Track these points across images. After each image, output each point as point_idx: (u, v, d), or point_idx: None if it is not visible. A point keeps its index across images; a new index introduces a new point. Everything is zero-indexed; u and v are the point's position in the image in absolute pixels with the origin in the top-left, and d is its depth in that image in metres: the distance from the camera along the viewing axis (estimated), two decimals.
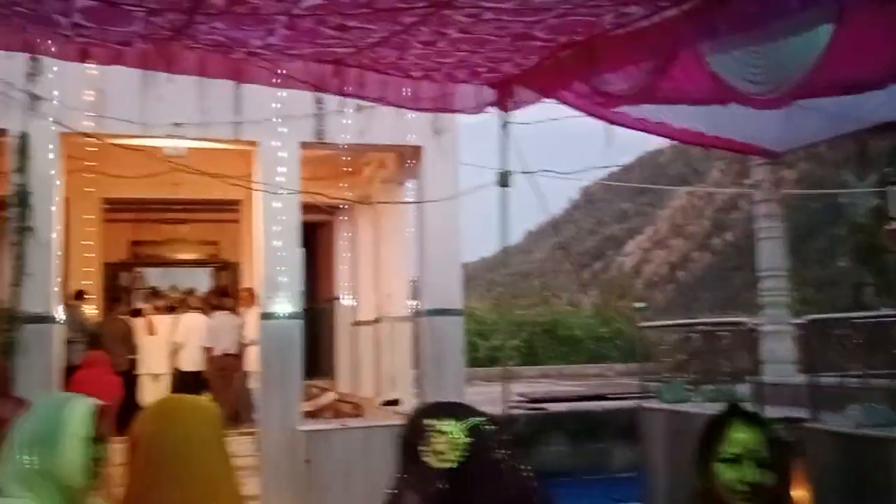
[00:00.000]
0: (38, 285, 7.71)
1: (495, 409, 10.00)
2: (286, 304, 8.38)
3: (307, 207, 13.20)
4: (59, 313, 8.04)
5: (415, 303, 8.90)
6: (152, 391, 10.45)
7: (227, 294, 12.19)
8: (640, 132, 5.81)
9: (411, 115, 8.81)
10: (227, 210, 13.40)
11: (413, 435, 1.78)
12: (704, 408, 7.52)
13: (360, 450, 8.12)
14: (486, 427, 1.81)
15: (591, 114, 5.45)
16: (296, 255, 8.57)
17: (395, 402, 10.51)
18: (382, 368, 10.86)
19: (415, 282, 8.98)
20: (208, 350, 10.50)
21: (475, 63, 5.04)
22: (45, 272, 7.76)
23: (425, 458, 1.62)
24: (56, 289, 7.98)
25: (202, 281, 15.46)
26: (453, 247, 8.90)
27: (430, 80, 5.55)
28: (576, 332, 21.64)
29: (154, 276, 14.35)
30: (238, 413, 10.86)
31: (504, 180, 5.69)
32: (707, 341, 8.03)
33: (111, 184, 11.07)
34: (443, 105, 5.74)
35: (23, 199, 7.72)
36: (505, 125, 5.83)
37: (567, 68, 4.93)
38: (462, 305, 8.87)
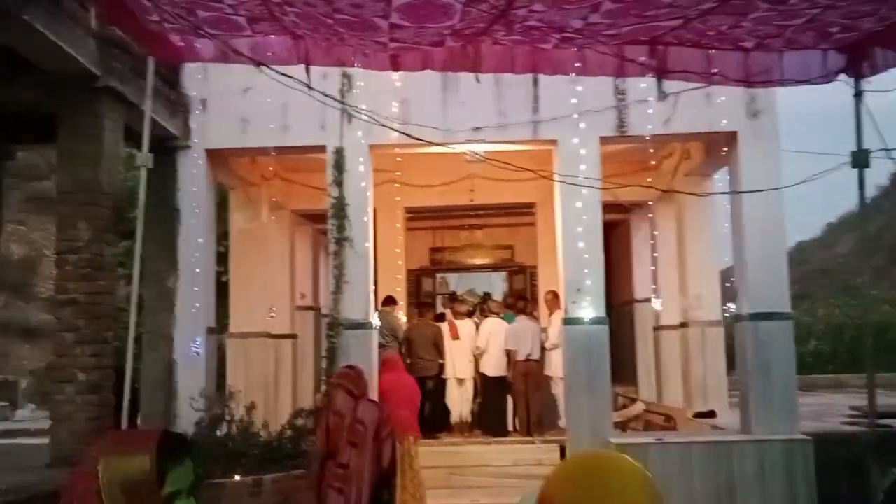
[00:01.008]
0: (356, 293, 8.03)
1: (825, 425, 8.76)
2: (591, 308, 7.96)
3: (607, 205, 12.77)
4: (375, 319, 8.32)
5: (732, 305, 8.04)
6: (458, 395, 10.59)
7: (524, 298, 12.09)
8: None
9: (722, 98, 8.02)
10: (522, 213, 13.35)
11: None
12: None
13: (677, 468, 7.47)
14: None
15: None
16: (599, 256, 8.13)
17: (710, 415, 9.67)
18: (692, 377, 10.05)
19: (731, 282, 8.11)
20: (511, 354, 10.41)
21: (828, 22, 4.26)
22: (361, 280, 8.07)
23: None
24: (371, 296, 8.27)
25: (496, 285, 15.63)
26: (777, 243, 7.92)
27: (765, 50, 4.83)
28: None
29: (450, 282, 14.74)
30: (540, 419, 10.66)
31: (862, 160, 4.78)
32: None
33: (412, 193, 11.45)
34: (780, 76, 4.97)
35: (341, 210, 8.10)
36: (858, 95, 4.92)
37: None
38: (790, 308, 7.85)
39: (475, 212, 13.27)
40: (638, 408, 9.44)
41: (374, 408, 5.48)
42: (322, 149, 8.26)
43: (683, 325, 10.32)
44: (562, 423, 10.45)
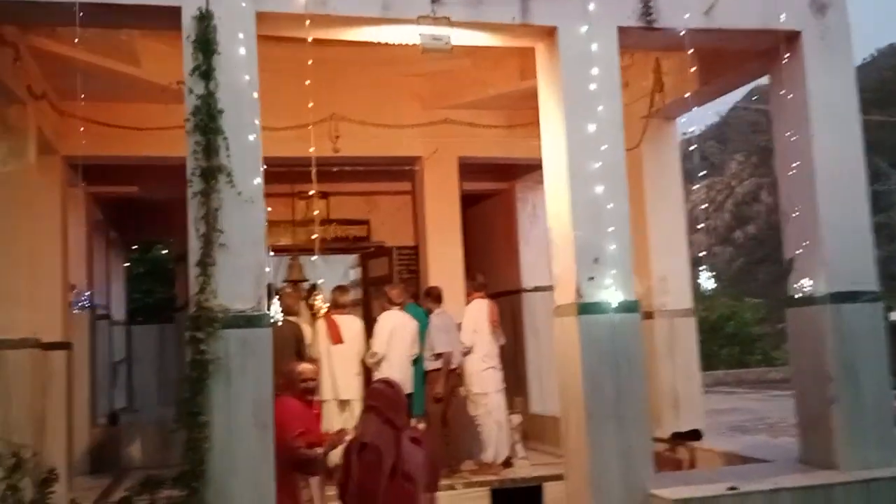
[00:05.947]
0: (244, 264, 4.56)
1: None
2: (615, 288, 5.14)
3: (482, 168, 10.00)
4: (276, 309, 4.89)
5: (806, 282, 5.60)
6: (341, 424, 7.24)
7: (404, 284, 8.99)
8: None
9: None
10: (388, 177, 10.28)
11: None
12: None
13: None
14: None
15: None
16: (624, 211, 5.33)
17: (692, 436, 7.28)
18: (658, 384, 7.57)
19: (793, 258, 5.69)
20: (445, 361, 7.29)
21: None
22: (252, 241, 4.60)
23: None
24: (267, 269, 4.76)
25: (336, 272, 12.37)
26: (858, 195, 5.62)
27: None
28: None
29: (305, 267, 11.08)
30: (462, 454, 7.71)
31: None
32: None
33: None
34: None
35: (210, 120, 4.56)
36: None
37: None
38: (877, 286, 5.58)
39: (327, 168, 9.83)
40: None
41: (419, 450, 3.83)
42: (173, 14, 4.67)
43: (647, 315, 7.83)
44: (485, 456, 7.57)
